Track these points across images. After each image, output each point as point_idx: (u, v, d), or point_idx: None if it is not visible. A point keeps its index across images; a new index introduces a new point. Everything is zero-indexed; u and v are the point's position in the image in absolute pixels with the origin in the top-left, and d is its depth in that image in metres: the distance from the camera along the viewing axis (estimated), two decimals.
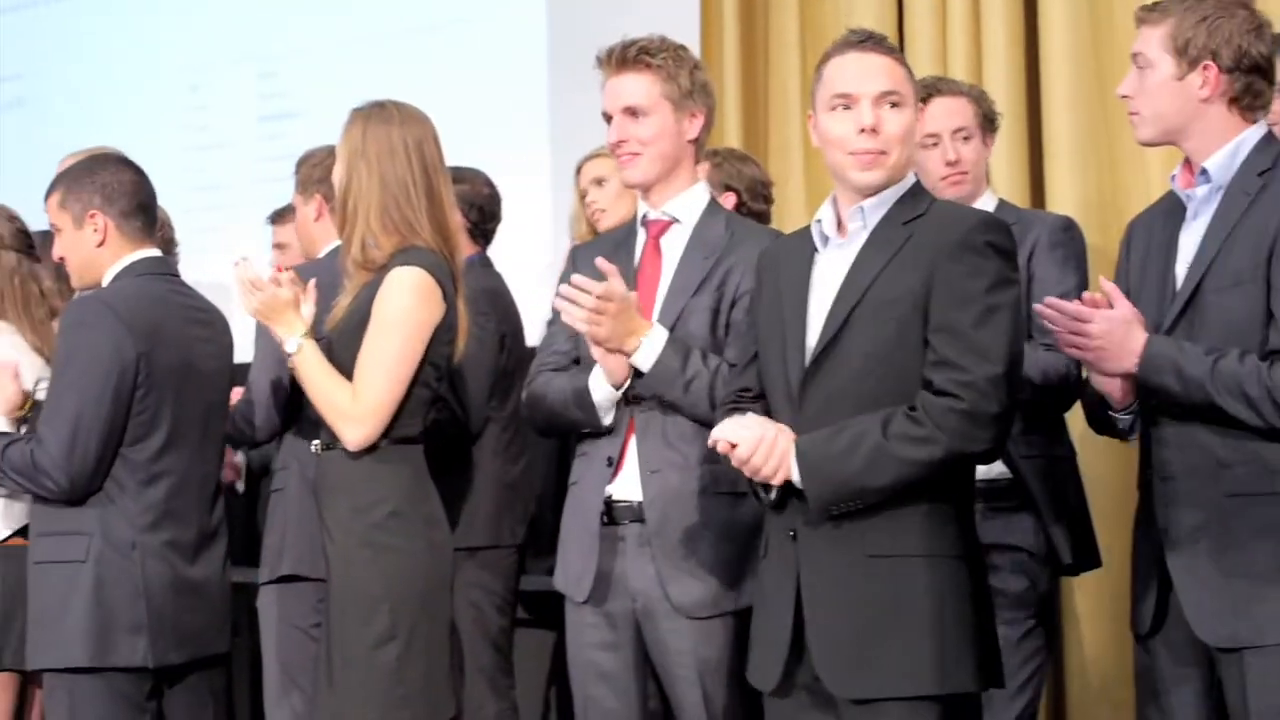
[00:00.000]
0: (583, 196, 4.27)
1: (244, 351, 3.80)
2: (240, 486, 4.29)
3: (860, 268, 2.69)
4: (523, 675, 4.42)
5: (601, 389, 3.11)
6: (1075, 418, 3.43)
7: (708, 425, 2.89)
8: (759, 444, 2.63)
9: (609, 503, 3.12)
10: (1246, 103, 2.87)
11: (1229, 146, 2.86)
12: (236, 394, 3.77)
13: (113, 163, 3.52)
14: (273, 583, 3.85)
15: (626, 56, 3.17)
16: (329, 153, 3.92)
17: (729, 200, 3.88)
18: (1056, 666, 4.38)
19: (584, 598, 3.14)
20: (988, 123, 3.74)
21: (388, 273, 3.19)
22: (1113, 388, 2.87)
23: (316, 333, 3.30)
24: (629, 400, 3.11)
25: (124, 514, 3.35)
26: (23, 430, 3.57)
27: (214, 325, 3.59)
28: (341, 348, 3.23)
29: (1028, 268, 3.49)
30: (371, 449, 3.18)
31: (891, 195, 2.73)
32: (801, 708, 2.70)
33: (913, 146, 2.79)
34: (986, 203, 3.68)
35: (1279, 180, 2.81)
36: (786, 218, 4.81)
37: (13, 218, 3.86)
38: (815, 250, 2.79)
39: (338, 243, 3.81)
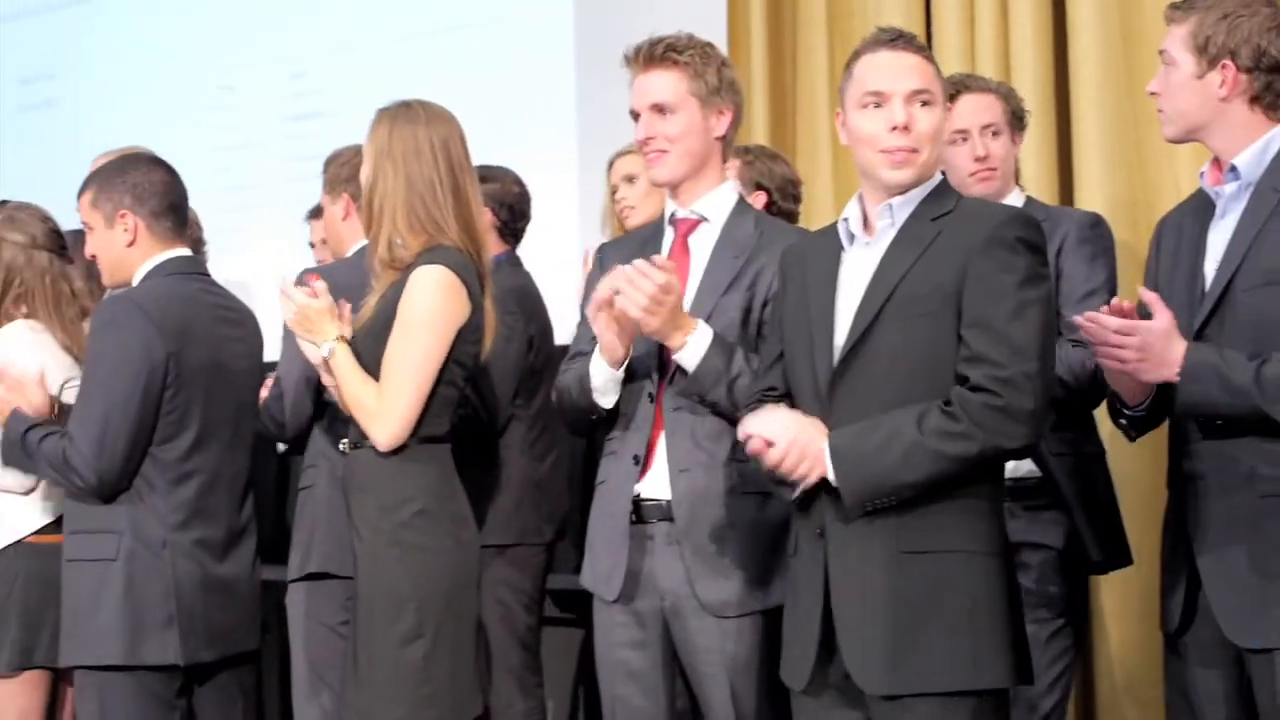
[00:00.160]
0: (613, 192, 4.27)
1: (273, 349, 3.81)
2: None
3: (889, 265, 2.69)
4: (550, 673, 4.42)
5: (601, 371, 3.11)
6: (1105, 416, 3.41)
7: None
8: (792, 445, 2.62)
9: (637, 501, 3.12)
10: (1268, 101, 2.86)
11: (1259, 144, 2.85)
12: (264, 390, 3.79)
13: (144, 163, 3.54)
14: (301, 580, 3.87)
15: (654, 54, 3.17)
16: (356, 152, 3.93)
17: (760, 199, 3.87)
18: (1085, 665, 4.37)
19: (613, 596, 3.14)
20: (1016, 120, 3.73)
21: (412, 272, 3.20)
22: (1125, 387, 2.86)
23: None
24: (651, 396, 3.11)
25: (154, 512, 3.37)
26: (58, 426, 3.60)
27: (244, 324, 3.61)
28: (367, 348, 3.24)
29: (1056, 264, 3.48)
30: (399, 448, 3.19)
31: (919, 193, 2.73)
32: (831, 706, 2.70)
33: (942, 145, 2.79)
34: (1015, 200, 3.67)
35: None
36: (814, 216, 4.81)
37: (45, 218, 3.88)
38: (842, 248, 2.78)
39: (366, 242, 3.83)
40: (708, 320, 3.08)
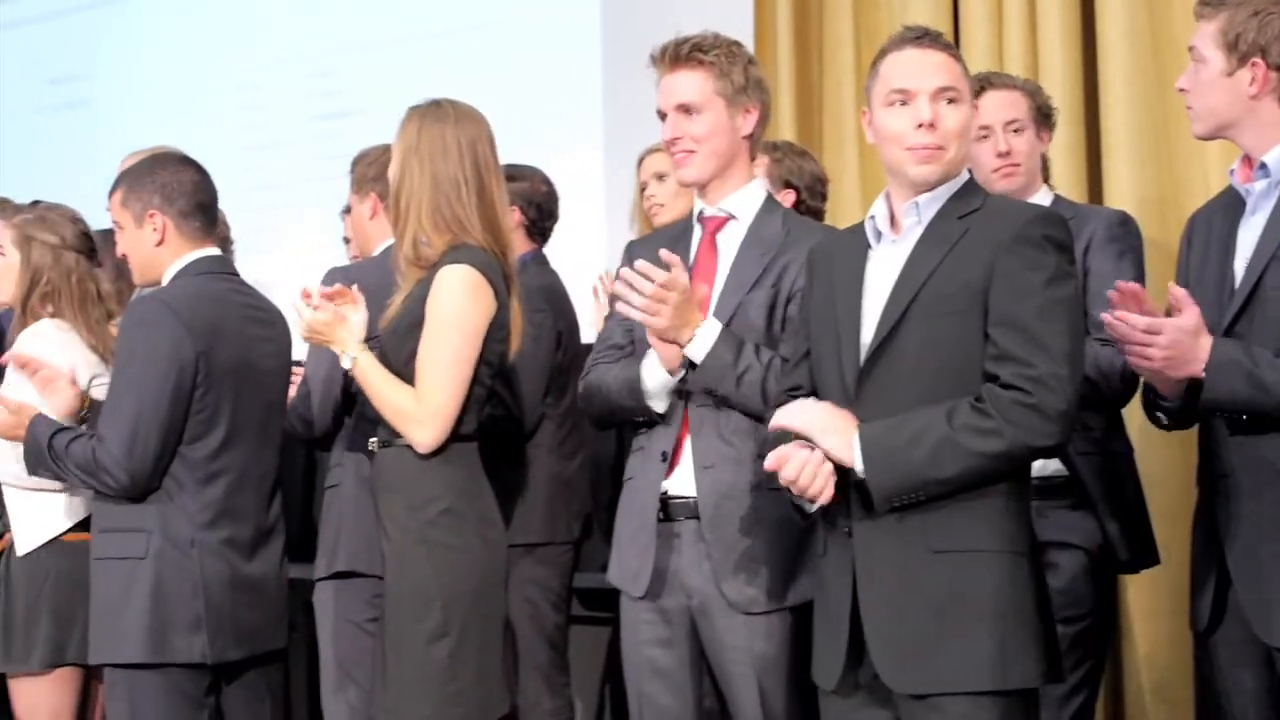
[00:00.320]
0: (642, 189, 4.27)
1: (302, 349, 3.82)
2: None
3: (916, 263, 2.68)
4: (578, 671, 4.42)
5: (655, 376, 3.11)
6: (1133, 414, 3.40)
7: (760, 419, 2.89)
8: (803, 466, 2.62)
9: (664, 498, 3.12)
10: None
11: None
12: (291, 389, 3.80)
13: (174, 162, 3.55)
14: (328, 578, 3.87)
15: (679, 54, 3.17)
16: (384, 151, 3.94)
17: (788, 198, 3.87)
18: (1114, 665, 4.35)
19: (641, 593, 3.14)
20: (1042, 117, 3.71)
21: (438, 272, 3.20)
22: (1160, 381, 2.85)
23: (371, 331, 3.32)
24: (681, 394, 3.11)
25: (183, 511, 3.38)
26: (84, 428, 3.61)
27: (273, 324, 3.61)
28: (393, 348, 3.25)
29: (1083, 262, 3.47)
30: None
31: (946, 191, 2.72)
32: (860, 705, 2.70)
33: (969, 143, 2.78)
34: (1042, 198, 3.66)
35: None
36: (840, 213, 4.80)
37: (76, 219, 3.91)
38: (869, 246, 2.78)
39: (392, 241, 3.83)
40: (733, 317, 3.08)
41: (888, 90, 2.72)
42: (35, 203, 4.03)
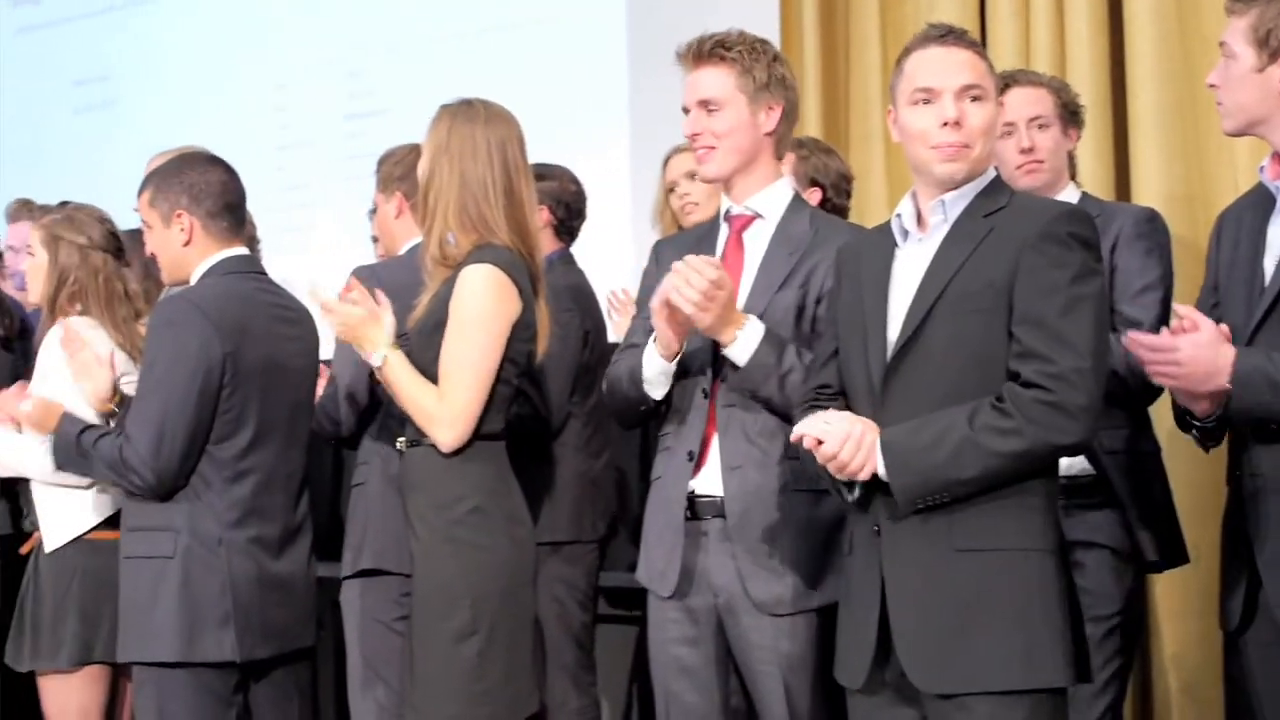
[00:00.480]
0: (671, 189, 4.26)
1: (329, 347, 3.83)
2: None
3: (941, 261, 2.67)
4: (604, 670, 4.43)
5: (653, 363, 3.11)
6: (1161, 412, 3.39)
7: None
8: (845, 440, 2.61)
9: (691, 498, 3.12)
10: None
11: None
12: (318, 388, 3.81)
13: (202, 162, 3.55)
14: (355, 576, 3.88)
15: (702, 50, 3.17)
16: (409, 151, 3.95)
17: (814, 195, 3.86)
18: (1143, 665, 4.34)
19: (668, 593, 3.14)
20: (1069, 114, 3.70)
21: (461, 271, 3.21)
22: (1191, 401, 2.83)
23: (398, 330, 3.33)
24: (706, 393, 3.10)
25: (211, 510, 3.38)
26: (112, 424, 3.63)
27: (301, 323, 3.62)
28: (420, 347, 3.25)
29: (1110, 259, 3.46)
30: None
31: (972, 189, 2.71)
32: (887, 705, 2.70)
33: (994, 140, 2.77)
34: (1069, 195, 3.64)
35: None
36: (867, 212, 4.79)
37: (103, 220, 3.92)
38: (895, 245, 2.77)
39: (418, 240, 3.84)
40: (761, 317, 3.07)
41: (912, 88, 2.72)
42: (63, 204, 4.05)
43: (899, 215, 2.78)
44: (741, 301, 3.10)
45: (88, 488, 3.72)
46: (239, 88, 6.34)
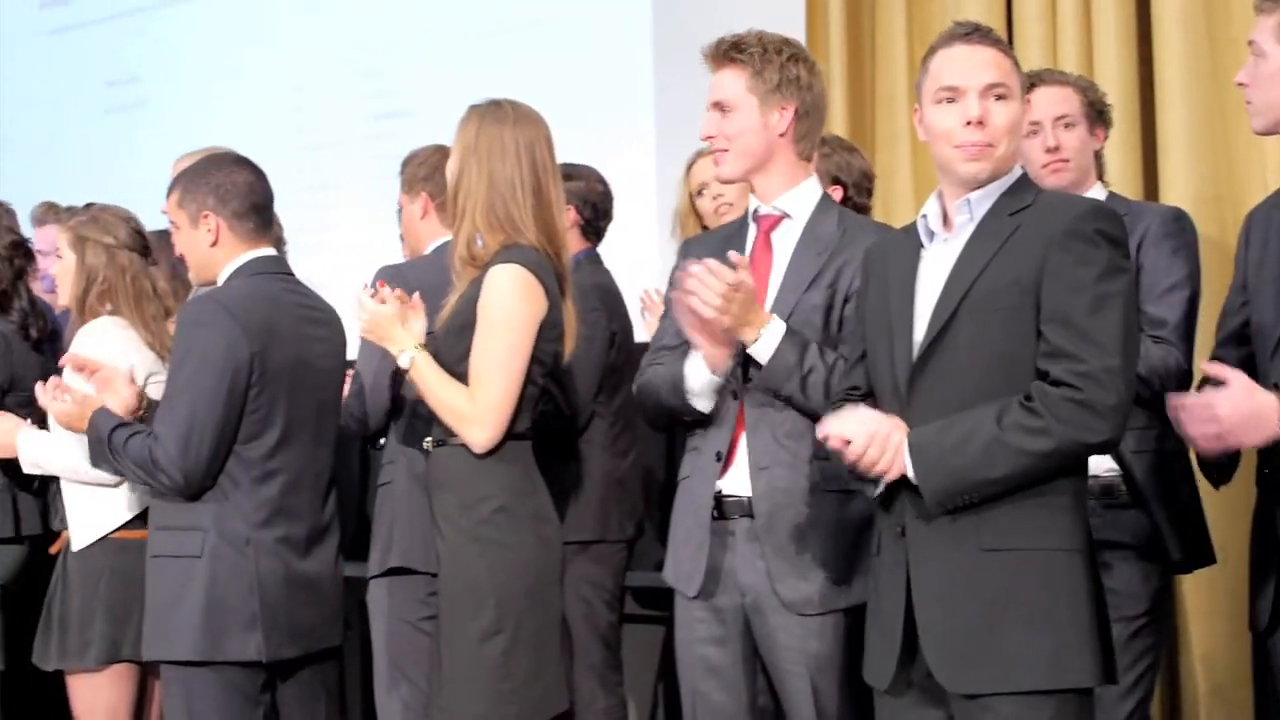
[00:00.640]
0: (699, 192, 4.24)
1: (356, 347, 3.84)
2: None
3: (967, 260, 2.67)
4: (631, 670, 4.42)
5: (699, 375, 3.11)
6: None
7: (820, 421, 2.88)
8: (872, 439, 2.61)
9: (719, 497, 3.12)
10: None
11: None
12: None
13: (229, 163, 3.56)
14: (381, 576, 3.89)
15: (719, 52, 3.18)
16: (434, 151, 3.96)
17: (836, 193, 3.85)
18: (1171, 665, 4.32)
19: (694, 592, 3.14)
20: (1096, 113, 3.68)
21: (488, 271, 3.21)
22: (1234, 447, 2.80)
23: (429, 327, 3.33)
24: (735, 394, 3.10)
25: (238, 510, 3.39)
26: (143, 425, 3.64)
27: (328, 324, 3.63)
28: (447, 347, 3.26)
29: (1137, 258, 3.44)
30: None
31: (998, 187, 2.70)
32: (914, 705, 2.69)
33: (1019, 139, 2.76)
34: (1096, 195, 3.63)
35: None
36: (894, 211, 4.79)
37: (129, 219, 3.94)
38: (921, 245, 2.76)
39: (442, 240, 3.85)
40: (789, 317, 3.07)
41: (936, 87, 2.71)
42: (88, 205, 4.07)
43: (925, 215, 2.77)
44: (769, 301, 3.10)
45: (115, 486, 3.74)
46: (265, 89, 6.36)
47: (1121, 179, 4.37)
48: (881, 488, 2.67)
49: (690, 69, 3.29)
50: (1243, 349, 3.01)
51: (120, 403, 3.61)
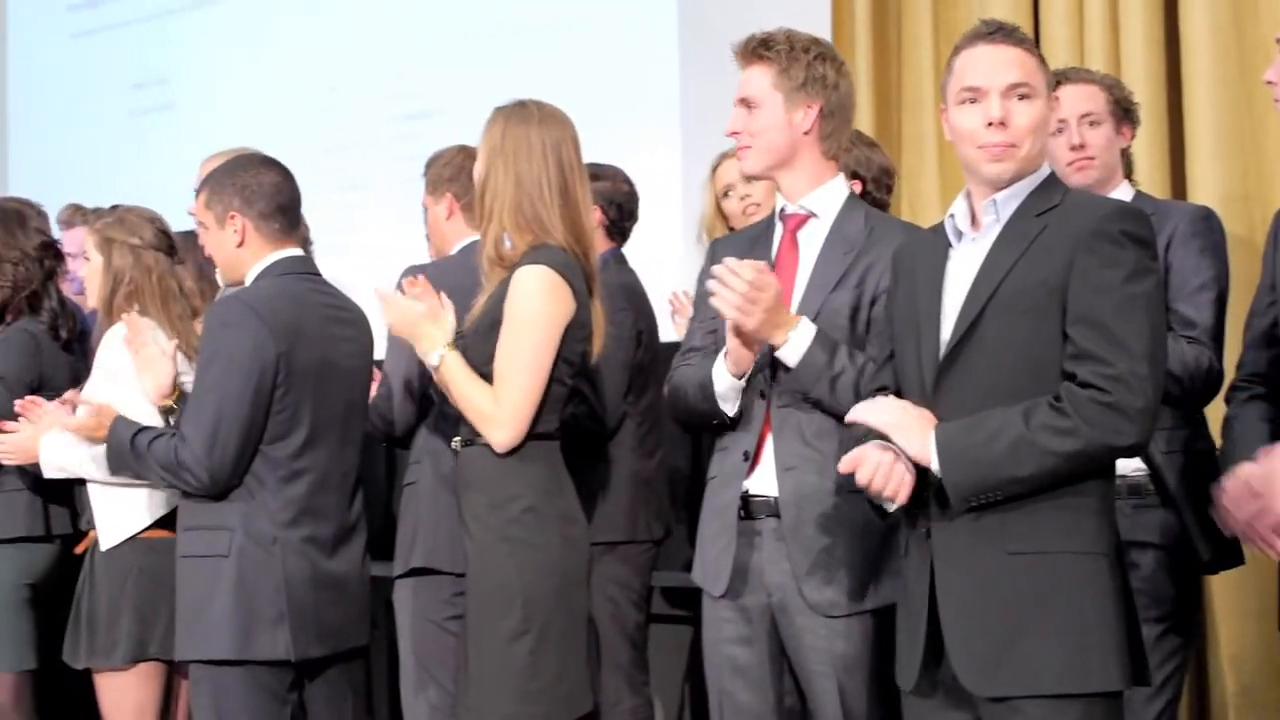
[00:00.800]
0: (724, 194, 4.24)
1: (384, 348, 3.85)
2: None
3: (994, 261, 2.66)
4: (658, 670, 4.42)
5: (723, 379, 3.11)
6: (1215, 411, 3.36)
7: None
8: (876, 469, 2.61)
9: (746, 497, 3.12)
10: None
11: None
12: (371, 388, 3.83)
13: (255, 164, 3.58)
14: (406, 576, 3.90)
15: (747, 49, 3.19)
16: (458, 152, 3.97)
17: (854, 188, 3.84)
18: (1199, 667, 4.30)
19: (721, 592, 3.14)
20: (1122, 112, 3.67)
21: (515, 272, 3.22)
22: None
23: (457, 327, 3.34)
24: (763, 394, 3.10)
25: (265, 510, 3.41)
26: (172, 420, 3.66)
27: (355, 324, 3.64)
28: (475, 347, 3.27)
29: (1165, 258, 3.43)
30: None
31: (1025, 187, 2.70)
32: (941, 707, 2.68)
33: (1045, 138, 2.74)
34: (1123, 194, 3.62)
35: None
36: (920, 211, 4.78)
37: (154, 219, 3.96)
38: (949, 245, 2.76)
39: (468, 240, 3.85)
40: (816, 317, 3.07)
41: (959, 88, 2.71)
42: (114, 207, 4.09)
43: (953, 215, 2.77)
44: (796, 301, 3.10)
45: (141, 486, 3.75)
46: (292, 89, 6.38)
47: (1149, 178, 4.35)
48: (895, 508, 2.67)
49: (715, 69, 3.29)
50: (1272, 349, 3.00)
51: (159, 383, 3.63)
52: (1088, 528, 2.59)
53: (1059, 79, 3.54)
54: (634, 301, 4.20)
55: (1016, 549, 2.57)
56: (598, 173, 4.01)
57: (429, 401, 3.81)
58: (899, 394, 2.78)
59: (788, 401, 3.08)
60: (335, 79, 6.30)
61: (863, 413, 2.66)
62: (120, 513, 3.78)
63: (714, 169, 4.29)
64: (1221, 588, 4.21)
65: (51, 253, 4.38)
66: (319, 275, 3.66)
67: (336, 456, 3.52)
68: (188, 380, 3.67)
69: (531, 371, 3.21)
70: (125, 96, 7.04)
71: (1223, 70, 4.37)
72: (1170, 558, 3.46)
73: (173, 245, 3.95)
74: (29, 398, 3.88)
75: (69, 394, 3.87)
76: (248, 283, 3.54)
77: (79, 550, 3.96)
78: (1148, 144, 4.36)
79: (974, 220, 2.74)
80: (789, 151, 3.17)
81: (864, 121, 5.06)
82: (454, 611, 3.70)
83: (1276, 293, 2.96)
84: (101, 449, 3.62)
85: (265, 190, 3.51)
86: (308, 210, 3.75)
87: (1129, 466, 3.33)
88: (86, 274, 3.96)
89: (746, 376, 3.09)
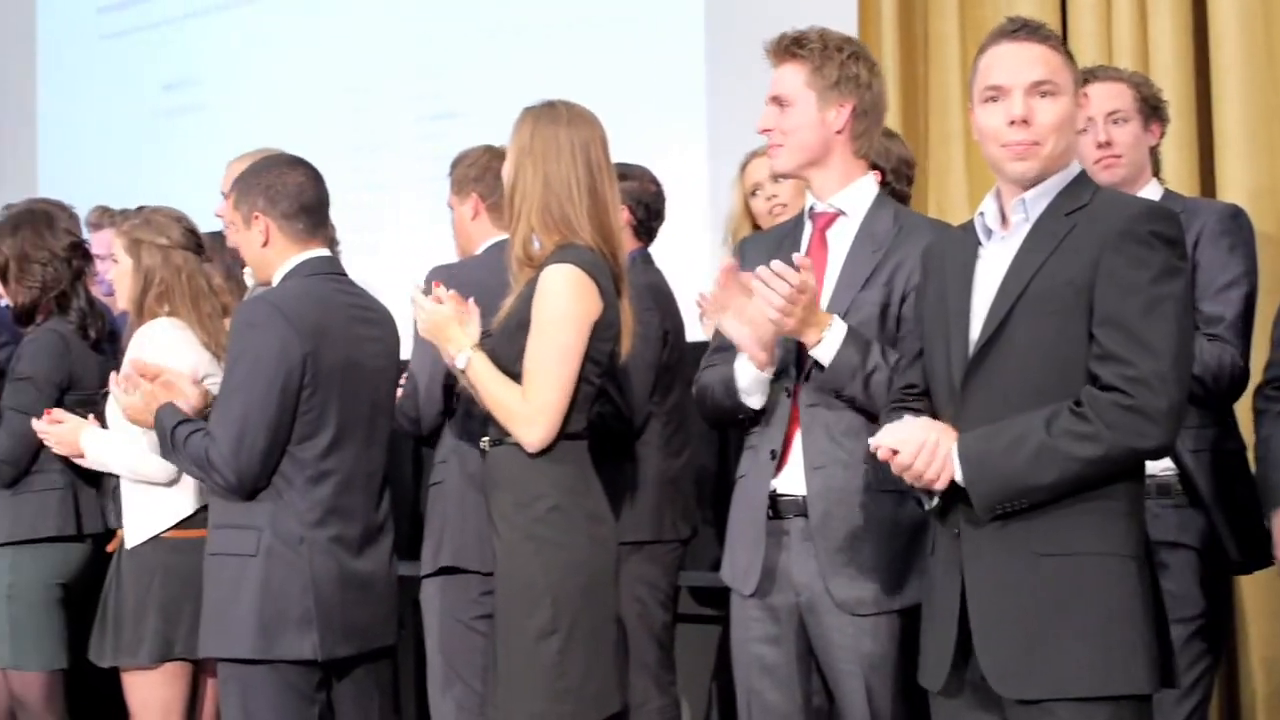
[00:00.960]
0: (753, 192, 4.24)
1: (410, 347, 3.85)
2: None
3: (1022, 260, 2.65)
4: (685, 669, 4.42)
5: (746, 373, 3.11)
6: (1244, 410, 3.34)
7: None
8: (920, 449, 2.60)
9: (773, 497, 3.12)
10: None
11: None
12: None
13: (281, 165, 3.58)
14: (434, 575, 3.90)
15: (780, 47, 3.18)
16: (483, 152, 3.98)
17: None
18: (1229, 668, 4.28)
19: (750, 591, 3.14)
20: (1150, 109, 3.65)
21: (543, 271, 3.22)
22: None
23: (483, 326, 3.34)
24: (789, 391, 3.10)
25: (292, 510, 3.41)
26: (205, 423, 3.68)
27: (381, 324, 3.64)
28: (503, 347, 3.27)
29: (1193, 256, 3.41)
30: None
31: (1054, 186, 2.68)
32: (968, 708, 2.67)
33: (1072, 135, 2.73)
34: (1151, 191, 3.60)
35: None
36: (948, 209, 4.76)
37: (180, 219, 3.97)
38: (979, 244, 2.75)
39: (494, 240, 3.85)
40: (845, 315, 3.06)
41: (983, 86, 2.70)
42: (140, 208, 4.10)
43: (982, 214, 2.76)
44: (825, 300, 3.10)
45: (168, 486, 3.77)
46: (320, 90, 6.40)
47: (1178, 176, 4.33)
48: (936, 500, 2.66)
49: (742, 68, 3.29)
50: None
51: (186, 403, 3.64)
52: (1116, 529, 2.57)
53: (1087, 77, 3.52)
54: (661, 301, 4.20)
55: (1045, 551, 2.56)
56: (625, 172, 4.01)
57: (456, 401, 3.81)
58: (927, 392, 2.77)
59: (815, 400, 3.08)
60: (361, 79, 6.31)
61: (883, 437, 2.65)
62: (146, 512, 3.80)
63: (743, 167, 4.28)
64: (1252, 588, 4.19)
65: (80, 253, 4.40)
66: (345, 275, 3.66)
67: (363, 456, 3.53)
68: (217, 382, 3.68)
69: (560, 370, 3.21)
70: (154, 98, 7.06)
71: (1252, 67, 4.35)
72: (1200, 558, 3.45)
73: (200, 244, 3.96)
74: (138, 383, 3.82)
75: (126, 371, 3.82)
76: (275, 283, 3.55)
77: (110, 549, 3.97)
78: (1177, 141, 4.34)
79: (1003, 219, 2.73)
80: (821, 150, 3.17)
81: (891, 120, 5.03)
82: (481, 611, 3.70)
83: None
84: (136, 450, 3.63)
85: (289, 190, 3.52)
86: (335, 210, 3.75)
87: (1158, 466, 3.31)
88: (115, 276, 3.98)
89: (772, 370, 3.09)
